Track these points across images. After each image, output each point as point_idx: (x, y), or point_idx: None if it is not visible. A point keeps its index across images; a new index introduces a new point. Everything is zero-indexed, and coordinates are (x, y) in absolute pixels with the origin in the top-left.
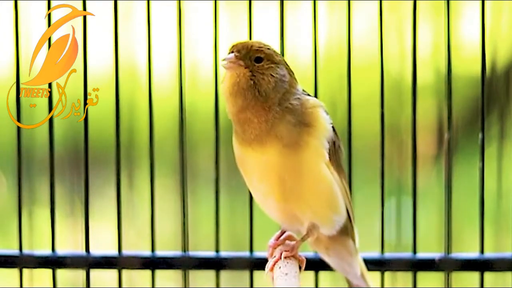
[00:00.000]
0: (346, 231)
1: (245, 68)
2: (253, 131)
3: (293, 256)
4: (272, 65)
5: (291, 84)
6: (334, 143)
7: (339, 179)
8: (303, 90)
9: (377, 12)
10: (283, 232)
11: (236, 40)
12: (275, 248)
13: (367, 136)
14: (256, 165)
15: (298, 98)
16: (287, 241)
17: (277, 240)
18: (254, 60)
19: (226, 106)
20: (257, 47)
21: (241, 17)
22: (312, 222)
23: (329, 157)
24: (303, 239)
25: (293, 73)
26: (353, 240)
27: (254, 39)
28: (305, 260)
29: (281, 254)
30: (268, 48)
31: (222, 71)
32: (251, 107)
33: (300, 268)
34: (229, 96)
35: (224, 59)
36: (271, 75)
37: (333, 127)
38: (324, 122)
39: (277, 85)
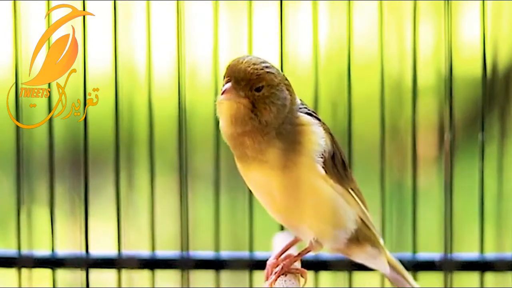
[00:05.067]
0: (361, 238)
1: (245, 98)
2: (246, 151)
3: (289, 272)
4: (273, 91)
5: (292, 102)
6: (333, 156)
7: (343, 191)
8: (301, 102)
9: (377, 12)
10: (286, 249)
11: (235, 41)
12: (273, 268)
13: (367, 136)
14: (252, 181)
15: (289, 116)
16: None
17: (277, 258)
18: (255, 90)
19: (222, 128)
20: (256, 74)
21: (241, 17)
22: (315, 238)
23: (327, 170)
24: (300, 254)
25: (291, 87)
26: (373, 244)
27: (253, 48)
28: (306, 271)
29: (276, 272)
30: (268, 71)
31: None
32: (249, 133)
33: (304, 279)
34: (230, 124)
35: (222, 91)
36: (272, 102)
37: (333, 139)
38: (314, 137)
39: (279, 111)
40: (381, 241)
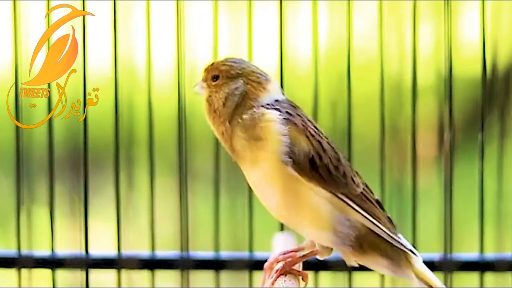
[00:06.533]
0: (365, 246)
1: (206, 87)
2: (224, 144)
3: (290, 272)
4: (226, 81)
5: (247, 96)
6: (312, 158)
7: (328, 195)
8: (281, 101)
9: (377, 12)
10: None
11: (235, 41)
12: (270, 272)
13: (367, 136)
14: (246, 177)
15: (254, 111)
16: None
17: (275, 262)
18: (212, 79)
19: None
20: (214, 65)
21: (241, 17)
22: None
23: (301, 172)
24: (305, 256)
25: (260, 83)
26: (384, 255)
27: (252, 43)
28: (307, 274)
29: (277, 270)
30: (225, 64)
31: None
32: (212, 124)
33: (305, 282)
34: (206, 115)
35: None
36: (222, 90)
37: (311, 141)
38: (276, 135)
39: (227, 100)
40: (408, 251)
